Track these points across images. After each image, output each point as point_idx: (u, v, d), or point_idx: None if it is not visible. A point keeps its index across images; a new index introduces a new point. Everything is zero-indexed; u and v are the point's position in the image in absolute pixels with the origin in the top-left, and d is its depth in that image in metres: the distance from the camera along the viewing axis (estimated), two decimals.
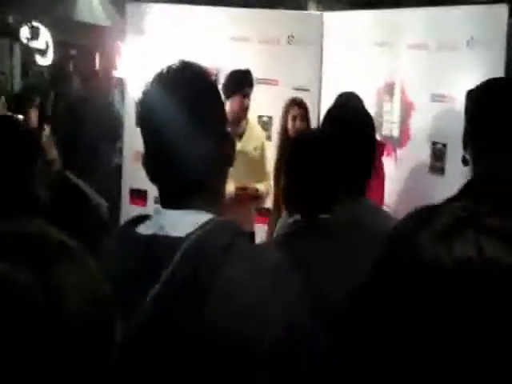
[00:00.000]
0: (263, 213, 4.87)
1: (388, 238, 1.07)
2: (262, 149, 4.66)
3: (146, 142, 1.33)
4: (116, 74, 6.09)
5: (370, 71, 4.79)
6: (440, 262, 0.94)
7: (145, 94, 1.32)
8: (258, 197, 4.54)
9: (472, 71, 4.02)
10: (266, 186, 4.58)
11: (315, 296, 1.34)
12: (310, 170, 2.00)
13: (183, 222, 1.27)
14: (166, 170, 1.31)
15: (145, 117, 1.33)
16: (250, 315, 1.18)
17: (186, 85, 1.30)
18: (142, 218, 1.35)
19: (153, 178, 1.34)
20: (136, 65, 4.99)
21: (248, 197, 4.48)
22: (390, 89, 4.67)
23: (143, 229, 1.31)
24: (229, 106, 4.39)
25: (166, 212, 1.31)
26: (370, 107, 4.01)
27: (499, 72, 3.92)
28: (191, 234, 1.23)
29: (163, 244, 1.25)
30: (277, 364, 1.19)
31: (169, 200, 1.32)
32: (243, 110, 4.48)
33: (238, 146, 4.27)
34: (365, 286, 1.09)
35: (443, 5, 4.53)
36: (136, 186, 5.18)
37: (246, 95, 4.43)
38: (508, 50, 4.00)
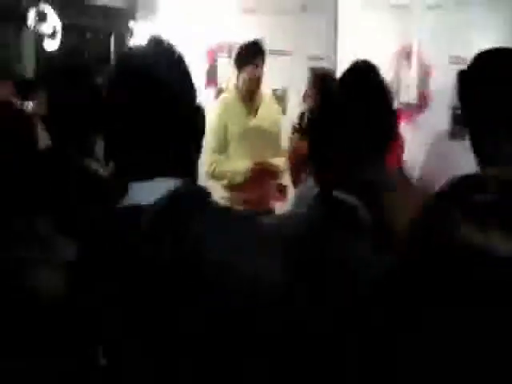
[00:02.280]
0: (283, 191, 4.86)
1: (423, 218, 1.08)
2: (278, 123, 4.71)
3: (111, 115, 1.37)
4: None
5: (386, 36, 4.81)
6: (488, 251, 0.97)
7: (113, 71, 1.39)
8: (275, 172, 4.57)
9: (490, 30, 4.08)
10: (283, 161, 4.58)
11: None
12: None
13: (153, 190, 1.31)
14: (136, 141, 1.34)
15: (112, 92, 1.38)
16: (221, 269, 1.23)
17: (153, 59, 1.35)
18: None
19: (114, 153, 1.39)
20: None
21: (266, 172, 4.51)
22: (407, 53, 4.70)
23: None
24: (241, 78, 4.48)
25: (135, 184, 1.35)
26: (387, 73, 3.80)
27: None
28: (160, 199, 1.28)
29: (135, 211, 1.30)
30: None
31: (138, 172, 1.35)
32: (256, 81, 4.50)
33: (253, 121, 4.47)
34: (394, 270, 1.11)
35: None
36: None
37: (258, 65, 4.45)
38: None
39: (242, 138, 4.49)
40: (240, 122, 4.49)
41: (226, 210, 1.36)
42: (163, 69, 1.32)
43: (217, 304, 1.20)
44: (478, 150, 1.66)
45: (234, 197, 4.33)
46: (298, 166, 4.07)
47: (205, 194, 1.33)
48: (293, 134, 4.24)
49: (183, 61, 1.39)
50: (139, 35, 5.29)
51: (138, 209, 1.28)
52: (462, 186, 1.04)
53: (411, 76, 4.67)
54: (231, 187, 4.39)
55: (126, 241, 1.26)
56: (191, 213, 1.26)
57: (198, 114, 1.39)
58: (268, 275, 1.27)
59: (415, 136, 4.53)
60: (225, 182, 4.42)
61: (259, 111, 4.55)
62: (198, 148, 1.40)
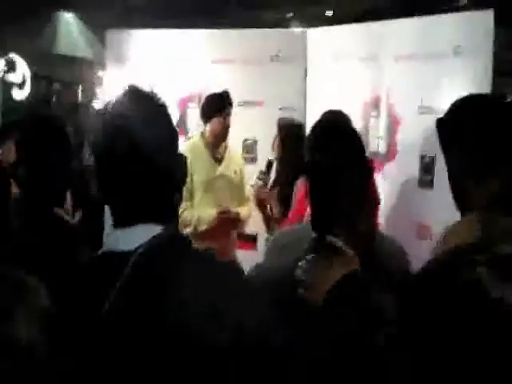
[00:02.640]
0: (245, 239, 4.89)
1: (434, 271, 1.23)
2: (242, 173, 4.71)
3: (98, 164, 1.40)
4: (98, 105, 6.21)
5: (355, 86, 4.80)
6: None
7: (97, 120, 1.42)
8: (239, 221, 4.56)
9: (460, 81, 4.06)
10: (248, 210, 4.62)
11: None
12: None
13: (134, 237, 1.33)
14: (119, 189, 1.37)
15: (98, 142, 1.41)
16: (206, 317, 1.25)
17: (134, 108, 1.38)
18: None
19: (105, 199, 1.41)
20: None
21: (229, 221, 4.49)
22: (376, 103, 4.68)
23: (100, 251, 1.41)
24: (208, 128, 4.53)
25: (118, 230, 1.38)
26: (357, 123, 4.06)
27: (487, 80, 3.96)
28: (141, 246, 1.30)
29: (113, 260, 1.32)
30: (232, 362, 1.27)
31: (121, 219, 1.38)
32: (223, 132, 4.55)
33: (218, 170, 4.50)
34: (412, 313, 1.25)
35: (428, 14, 4.51)
36: None
37: (225, 116, 4.49)
38: (494, 58, 4.05)
39: (207, 186, 4.48)
40: (206, 170, 4.50)
41: (208, 257, 1.40)
42: (145, 118, 1.35)
43: (202, 351, 1.21)
44: (459, 195, 1.67)
45: (198, 245, 4.23)
46: (263, 212, 4.20)
47: (186, 240, 1.37)
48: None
49: (165, 108, 1.42)
50: (108, 85, 5.26)
51: (119, 255, 1.30)
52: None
53: (380, 126, 4.67)
54: (195, 235, 4.32)
55: (106, 287, 1.26)
56: (173, 259, 1.28)
57: (179, 161, 1.43)
58: (253, 323, 1.31)
59: (384, 185, 4.48)
60: (188, 229, 4.35)
61: (224, 160, 4.59)
62: (179, 195, 1.44)
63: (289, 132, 4.30)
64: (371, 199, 2.14)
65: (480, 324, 1.14)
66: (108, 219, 4.24)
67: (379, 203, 3.12)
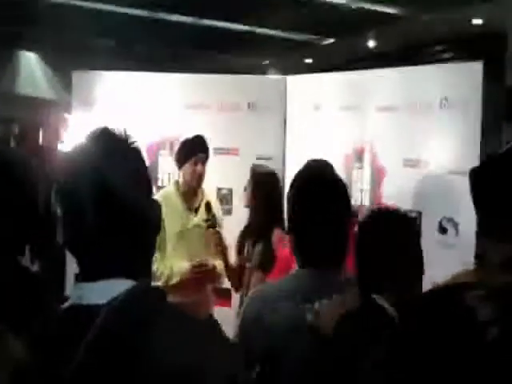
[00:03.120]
0: (222, 294, 4.72)
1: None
2: (220, 225, 4.51)
3: (66, 212, 1.35)
4: (62, 148, 6.05)
5: (337, 137, 4.72)
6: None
7: (65, 164, 1.38)
8: (215, 275, 4.42)
9: (446, 134, 3.97)
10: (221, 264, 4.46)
11: None
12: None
13: (104, 291, 1.29)
14: (89, 240, 1.33)
15: (65, 188, 1.36)
16: (185, 376, 1.22)
17: (106, 151, 1.34)
18: None
19: (72, 249, 1.36)
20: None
21: (205, 275, 4.36)
22: (359, 155, 4.59)
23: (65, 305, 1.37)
24: (182, 174, 4.39)
25: (86, 284, 1.34)
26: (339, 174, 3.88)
27: (476, 134, 3.85)
28: (113, 300, 1.24)
29: (82, 313, 1.28)
30: None
31: (90, 271, 1.34)
32: (197, 179, 4.39)
33: (194, 220, 4.33)
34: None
35: (413, 64, 4.55)
36: None
37: (200, 162, 4.36)
38: (484, 112, 3.90)
39: (180, 236, 4.34)
40: (179, 220, 4.34)
41: (183, 315, 1.35)
42: (118, 162, 1.32)
43: None
44: (479, 252, 1.73)
45: (169, 300, 4.03)
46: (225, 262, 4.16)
47: (160, 295, 1.31)
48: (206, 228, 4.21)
49: (139, 152, 1.38)
50: (74, 127, 5.10)
51: (87, 309, 1.27)
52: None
53: (364, 178, 4.57)
54: (166, 289, 3.95)
55: (72, 344, 1.21)
56: (145, 316, 1.23)
57: (154, 208, 1.38)
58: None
59: None
60: (159, 282, 4.22)
61: (200, 210, 4.42)
62: (152, 246, 1.40)
63: (262, 179, 4.18)
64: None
65: (468, 352, 1.22)
66: (71, 268, 4.43)
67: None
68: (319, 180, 2.24)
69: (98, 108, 5.02)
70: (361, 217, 3.87)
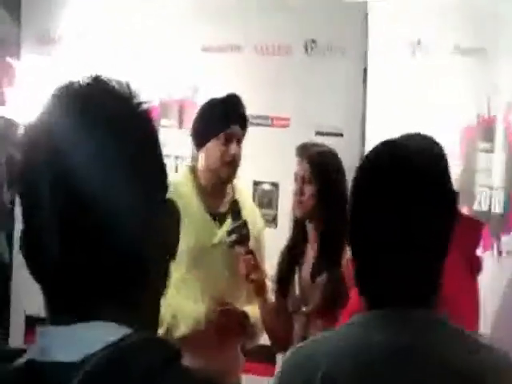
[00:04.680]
0: (256, 355, 4.02)
1: None
2: (258, 241, 3.70)
3: (26, 206, 1.12)
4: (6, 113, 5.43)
5: (449, 98, 3.85)
6: None
7: (21, 144, 1.13)
8: (246, 327, 3.63)
9: None
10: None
11: None
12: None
13: (80, 341, 1.07)
14: (61, 258, 1.08)
15: (23, 179, 1.12)
16: None
17: (93, 121, 1.05)
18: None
19: (33, 269, 1.13)
20: (41, 92, 4.22)
21: (231, 325, 3.59)
22: (487, 129, 3.77)
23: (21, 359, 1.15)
24: (203, 160, 3.61)
25: (55, 329, 1.09)
26: (452, 161, 3.28)
27: None
28: (91, 357, 1.03)
29: (46, 374, 1.08)
30: None
31: (61, 309, 1.10)
32: (229, 167, 3.56)
33: (218, 234, 3.65)
34: None
35: None
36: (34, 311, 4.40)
37: (234, 139, 3.54)
38: None
39: (195, 260, 3.59)
40: (197, 233, 3.56)
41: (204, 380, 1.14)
42: (108, 143, 1.03)
43: None
44: None
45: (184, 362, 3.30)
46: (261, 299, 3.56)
47: (172, 352, 1.07)
48: (230, 243, 3.52)
49: (148, 122, 1.09)
50: (24, 78, 4.61)
51: (54, 368, 1.07)
52: None
53: (495, 168, 3.73)
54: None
55: None
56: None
57: (168, 216, 1.13)
58: None
59: (499, 269, 3.65)
60: (161, 331, 3.37)
61: (229, 217, 3.64)
62: (164, 274, 1.14)
63: (320, 168, 3.48)
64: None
65: None
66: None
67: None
68: (399, 170, 1.81)
69: (61, 49, 4.52)
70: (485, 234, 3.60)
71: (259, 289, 3.56)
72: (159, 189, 1.11)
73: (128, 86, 1.08)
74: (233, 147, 3.52)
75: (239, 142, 3.56)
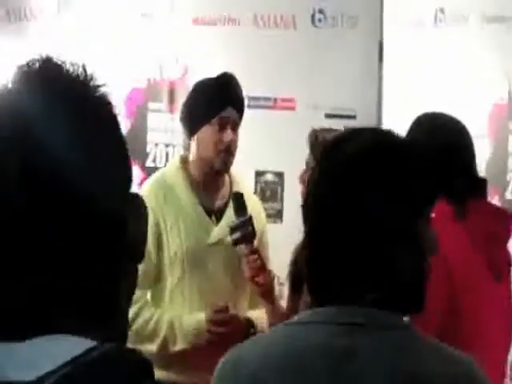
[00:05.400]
0: None
1: None
2: (262, 239, 3.48)
3: None
4: None
5: (478, 75, 3.63)
6: None
7: None
8: (251, 334, 3.26)
9: None
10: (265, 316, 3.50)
11: None
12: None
13: (36, 357, 1.00)
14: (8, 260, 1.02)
15: None
16: None
17: (45, 105, 1.03)
18: None
19: None
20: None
21: (236, 335, 3.18)
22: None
23: None
24: (194, 149, 3.37)
25: (6, 345, 1.03)
26: (481, 143, 3.30)
27: None
28: (49, 375, 0.96)
29: None
30: None
31: (7, 321, 1.04)
32: (224, 155, 3.34)
33: (214, 232, 3.44)
34: None
35: None
36: None
37: (229, 124, 3.30)
38: None
39: (192, 263, 3.38)
40: (191, 232, 3.39)
41: None
42: (62, 128, 0.99)
43: None
44: None
45: (179, 380, 3.29)
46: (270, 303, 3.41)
47: (137, 367, 1.01)
48: (234, 240, 3.31)
49: (107, 106, 1.05)
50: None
51: None
52: None
53: None
54: (163, 359, 3.25)
55: None
56: None
57: (134, 211, 1.08)
58: None
59: None
60: (151, 347, 3.25)
61: (227, 213, 3.38)
62: (130, 280, 1.10)
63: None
64: None
65: None
66: None
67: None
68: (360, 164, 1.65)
69: (36, 27, 4.28)
70: None
71: (266, 292, 3.34)
72: (128, 181, 1.09)
73: (84, 68, 1.05)
74: (228, 133, 3.31)
75: (235, 127, 3.34)
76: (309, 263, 1.70)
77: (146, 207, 1.10)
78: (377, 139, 1.77)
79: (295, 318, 1.80)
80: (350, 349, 1.59)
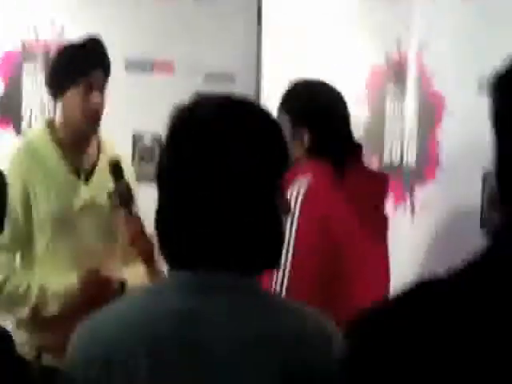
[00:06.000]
0: None
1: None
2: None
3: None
4: None
5: (354, 35, 3.68)
6: None
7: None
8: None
9: None
10: (146, 272, 3.49)
11: None
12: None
13: None
14: None
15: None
16: None
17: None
18: None
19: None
20: None
21: (106, 295, 3.24)
22: (397, 70, 3.54)
23: None
24: (61, 112, 3.37)
25: None
26: (358, 108, 3.35)
27: None
28: None
29: None
30: None
31: None
32: (91, 117, 3.33)
33: (83, 193, 3.47)
34: None
35: None
36: None
37: (95, 86, 3.32)
38: None
39: (63, 226, 3.37)
40: (59, 194, 3.39)
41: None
42: None
43: None
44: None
45: (48, 344, 3.24)
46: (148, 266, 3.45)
47: (4, 341, 1.14)
48: (114, 205, 3.43)
49: None
50: None
51: None
52: None
53: (406, 115, 3.51)
54: (34, 324, 3.29)
55: None
56: None
57: None
58: None
59: (414, 225, 3.47)
60: (24, 311, 3.26)
61: (95, 174, 3.45)
62: None
63: None
64: None
65: None
66: None
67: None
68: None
69: None
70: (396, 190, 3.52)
71: (148, 257, 3.36)
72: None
73: None
74: (95, 96, 3.30)
75: (102, 90, 3.34)
76: (160, 227, 1.65)
77: (2, 174, 1.09)
78: (236, 99, 1.77)
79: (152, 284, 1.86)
80: (195, 313, 1.59)
